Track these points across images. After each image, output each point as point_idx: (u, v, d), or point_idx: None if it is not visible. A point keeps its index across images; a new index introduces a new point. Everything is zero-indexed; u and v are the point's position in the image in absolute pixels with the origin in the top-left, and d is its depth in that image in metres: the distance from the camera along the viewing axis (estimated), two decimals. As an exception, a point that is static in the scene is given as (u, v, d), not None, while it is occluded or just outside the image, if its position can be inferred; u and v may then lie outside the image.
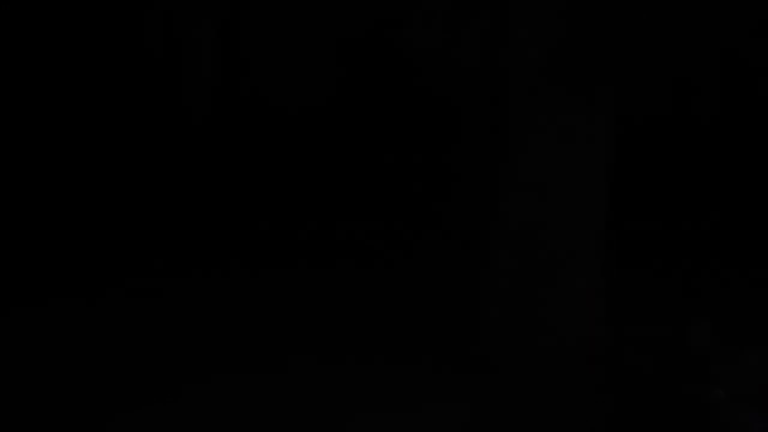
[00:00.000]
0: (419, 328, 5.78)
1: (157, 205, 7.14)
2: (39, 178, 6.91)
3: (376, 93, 7.31)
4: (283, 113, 7.25)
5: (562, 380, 5.12)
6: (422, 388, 4.90)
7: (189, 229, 7.05)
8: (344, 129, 7.33)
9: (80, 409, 4.45)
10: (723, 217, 7.90)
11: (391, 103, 7.22)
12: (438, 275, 6.64)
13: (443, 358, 5.37)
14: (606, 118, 5.60)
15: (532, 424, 4.80)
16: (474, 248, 5.98)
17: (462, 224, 7.22)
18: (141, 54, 6.62)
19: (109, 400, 4.58)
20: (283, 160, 7.27)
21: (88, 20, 6.04)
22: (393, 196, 7.43)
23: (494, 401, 4.94)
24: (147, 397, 4.59)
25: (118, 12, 5.87)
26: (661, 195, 7.94)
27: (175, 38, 6.45)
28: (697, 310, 5.34)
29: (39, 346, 5.24)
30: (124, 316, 5.69)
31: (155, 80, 6.92)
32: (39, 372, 4.84)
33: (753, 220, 7.89)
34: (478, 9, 6.14)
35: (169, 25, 6.53)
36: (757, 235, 7.78)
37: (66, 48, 6.46)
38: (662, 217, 7.83)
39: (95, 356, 5.14)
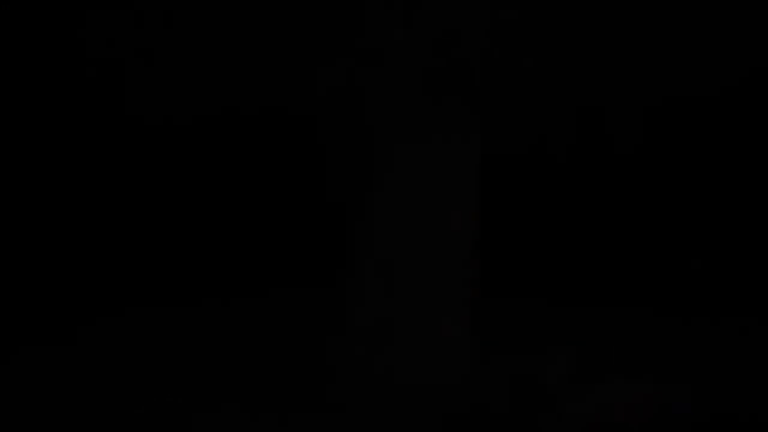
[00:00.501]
0: (270, 370, 5.32)
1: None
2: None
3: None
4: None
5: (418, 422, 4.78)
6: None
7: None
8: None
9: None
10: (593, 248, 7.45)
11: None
12: (293, 314, 6.19)
13: (294, 404, 4.92)
14: (473, 147, 5.13)
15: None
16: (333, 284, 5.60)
17: (321, 259, 6.81)
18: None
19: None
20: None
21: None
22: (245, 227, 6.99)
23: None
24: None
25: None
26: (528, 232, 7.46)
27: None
28: (557, 341, 5.13)
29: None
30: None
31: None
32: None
33: (620, 254, 7.43)
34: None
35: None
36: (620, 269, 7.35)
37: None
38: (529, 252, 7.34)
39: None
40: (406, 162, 5.06)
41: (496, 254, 7.04)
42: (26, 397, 4.88)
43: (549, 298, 7.21)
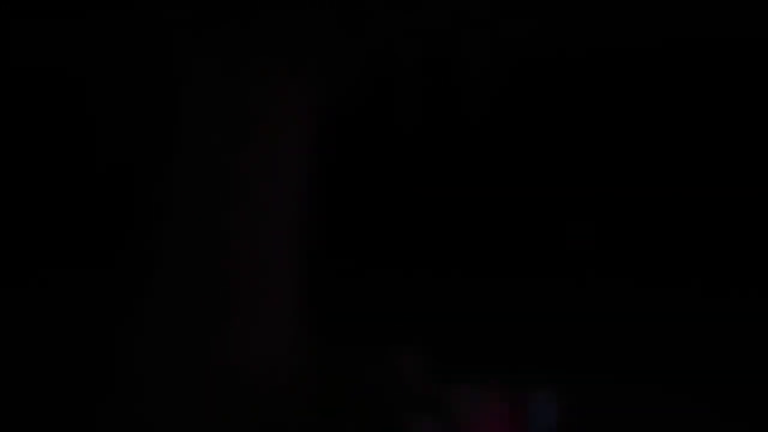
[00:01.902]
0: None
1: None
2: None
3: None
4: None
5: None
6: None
7: None
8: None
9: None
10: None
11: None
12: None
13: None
14: (310, 99, 4.77)
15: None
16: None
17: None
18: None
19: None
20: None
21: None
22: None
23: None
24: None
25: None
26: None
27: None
28: (413, 333, 5.15)
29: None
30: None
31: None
32: None
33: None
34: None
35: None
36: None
37: None
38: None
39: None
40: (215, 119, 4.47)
41: (334, 227, 6.85)
42: None
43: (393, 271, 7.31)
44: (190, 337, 4.57)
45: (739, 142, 7.65)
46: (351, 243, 7.57)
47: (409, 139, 7.71)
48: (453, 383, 4.94)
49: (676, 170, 7.80)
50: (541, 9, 5.35)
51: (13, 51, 5.14)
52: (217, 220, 4.61)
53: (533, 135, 7.86)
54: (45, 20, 4.94)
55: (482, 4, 5.22)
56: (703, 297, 7.18)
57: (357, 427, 4.66)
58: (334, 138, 5.94)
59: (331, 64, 4.90)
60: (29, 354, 5.17)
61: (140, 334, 4.68)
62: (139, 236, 4.74)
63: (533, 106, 7.80)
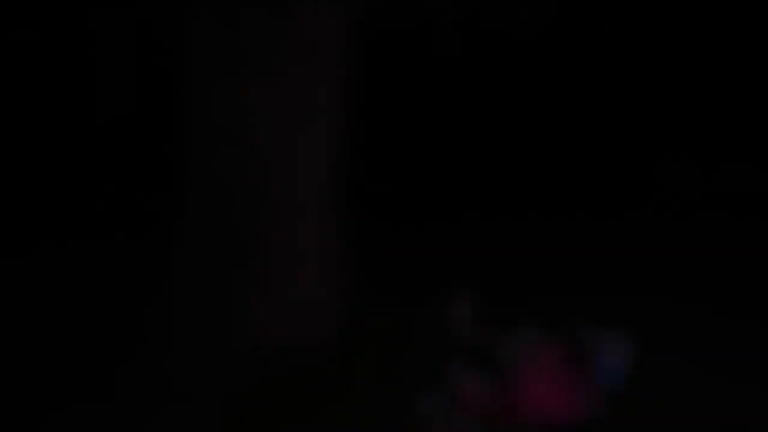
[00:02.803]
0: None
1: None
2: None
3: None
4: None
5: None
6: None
7: None
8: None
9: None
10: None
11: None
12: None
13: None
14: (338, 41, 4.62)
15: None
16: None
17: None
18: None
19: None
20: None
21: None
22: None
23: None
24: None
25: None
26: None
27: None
28: (459, 283, 4.69)
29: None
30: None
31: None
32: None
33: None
34: None
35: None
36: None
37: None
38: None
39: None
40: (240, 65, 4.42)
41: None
42: None
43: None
44: (227, 293, 4.54)
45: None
46: (389, 185, 7.24)
47: (447, 76, 7.15)
48: (503, 329, 4.45)
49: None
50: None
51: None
52: (245, 170, 4.55)
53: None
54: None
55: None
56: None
57: (403, 378, 4.35)
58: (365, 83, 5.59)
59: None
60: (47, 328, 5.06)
61: (171, 294, 4.66)
62: (165, 194, 4.83)
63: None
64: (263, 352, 4.42)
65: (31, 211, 6.41)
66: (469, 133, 7.70)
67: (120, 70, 5.89)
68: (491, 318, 4.50)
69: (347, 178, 4.87)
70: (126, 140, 6.66)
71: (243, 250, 4.49)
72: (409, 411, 4.15)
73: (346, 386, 4.33)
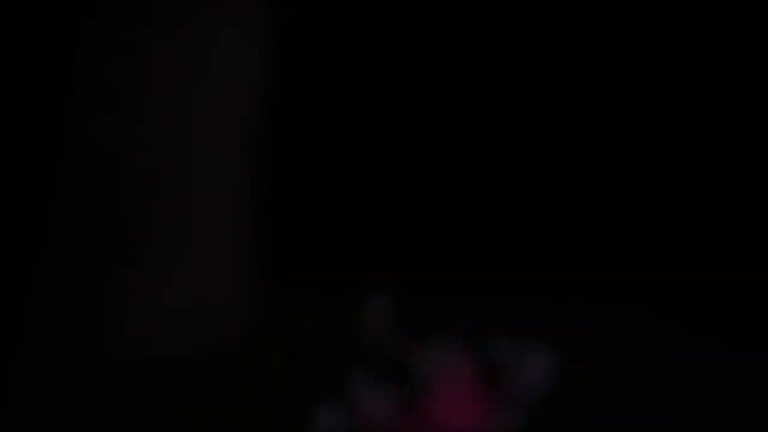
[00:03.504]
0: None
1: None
2: None
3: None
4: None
5: None
6: None
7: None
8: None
9: None
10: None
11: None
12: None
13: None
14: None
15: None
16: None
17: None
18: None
19: None
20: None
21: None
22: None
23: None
24: None
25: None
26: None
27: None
28: (377, 287, 4.32)
29: None
30: None
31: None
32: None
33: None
34: None
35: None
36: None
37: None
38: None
39: None
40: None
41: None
42: None
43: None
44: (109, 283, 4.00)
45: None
46: (307, 182, 6.79)
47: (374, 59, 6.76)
48: (418, 339, 4.10)
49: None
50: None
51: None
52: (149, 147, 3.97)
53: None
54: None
55: None
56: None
57: (304, 387, 3.99)
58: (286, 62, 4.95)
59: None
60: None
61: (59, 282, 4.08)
62: (56, 173, 4.08)
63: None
64: (148, 359, 3.95)
65: None
66: (395, 124, 7.27)
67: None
68: (407, 326, 4.14)
69: (263, 165, 4.37)
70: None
71: (127, 240, 3.94)
72: (306, 424, 3.77)
73: (241, 396, 3.93)
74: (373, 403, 3.79)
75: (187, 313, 4.05)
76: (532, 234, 6.73)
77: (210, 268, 4.10)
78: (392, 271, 5.69)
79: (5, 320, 4.37)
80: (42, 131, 4.71)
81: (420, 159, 7.36)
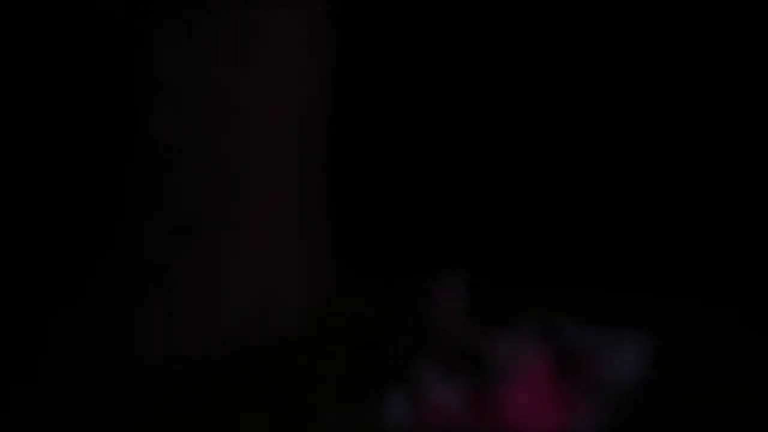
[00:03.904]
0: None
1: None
2: None
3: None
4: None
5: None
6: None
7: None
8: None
9: None
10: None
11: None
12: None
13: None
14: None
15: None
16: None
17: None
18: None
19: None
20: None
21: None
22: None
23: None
24: None
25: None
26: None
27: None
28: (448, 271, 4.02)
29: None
30: None
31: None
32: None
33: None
34: None
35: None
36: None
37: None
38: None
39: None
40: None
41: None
42: None
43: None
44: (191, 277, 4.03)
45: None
46: (371, 171, 6.59)
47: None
48: (491, 327, 3.77)
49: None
50: None
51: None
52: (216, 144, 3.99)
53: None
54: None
55: None
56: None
57: (370, 376, 3.78)
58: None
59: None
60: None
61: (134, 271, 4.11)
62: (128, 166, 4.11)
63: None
64: (211, 344, 3.94)
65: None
66: (460, 118, 7.00)
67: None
68: (480, 314, 3.80)
69: (326, 155, 4.32)
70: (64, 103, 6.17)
71: (191, 227, 3.93)
72: (371, 414, 3.52)
73: (304, 383, 3.82)
74: (441, 394, 3.48)
75: (250, 305, 4.02)
76: (609, 221, 6.33)
77: (273, 260, 4.05)
78: (463, 260, 5.34)
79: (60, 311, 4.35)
80: (104, 125, 4.62)
81: (487, 145, 7.01)
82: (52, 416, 3.72)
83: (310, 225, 4.22)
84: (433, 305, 3.80)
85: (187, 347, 3.94)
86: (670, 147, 6.99)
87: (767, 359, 4.31)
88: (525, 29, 7.04)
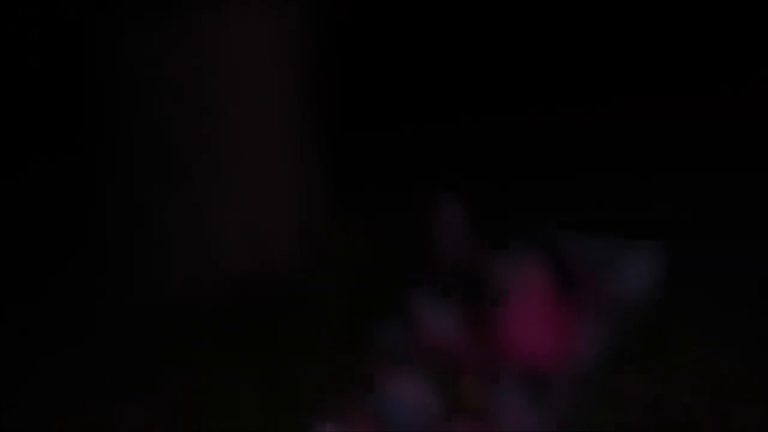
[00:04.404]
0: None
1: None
2: None
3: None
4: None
5: None
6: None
7: None
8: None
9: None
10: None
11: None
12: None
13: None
14: None
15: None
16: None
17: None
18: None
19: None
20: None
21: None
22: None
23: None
24: None
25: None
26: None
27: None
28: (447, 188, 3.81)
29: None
30: None
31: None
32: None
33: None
34: None
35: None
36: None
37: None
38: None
39: None
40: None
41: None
42: None
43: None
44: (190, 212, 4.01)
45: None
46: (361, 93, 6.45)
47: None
48: (492, 247, 3.47)
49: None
50: None
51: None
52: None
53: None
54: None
55: None
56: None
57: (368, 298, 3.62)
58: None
59: None
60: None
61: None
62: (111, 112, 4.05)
63: None
64: (205, 280, 3.94)
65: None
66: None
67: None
68: (479, 234, 3.53)
69: (316, 80, 4.26)
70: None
71: (176, 168, 3.89)
72: (363, 343, 3.34)
73: (299, 315, 3.72)
74: (436, 319, 3.20)
75: (241, 236, 3.99)
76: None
77: (260, 191, 4.03)
78: (460, 177, 5.05)
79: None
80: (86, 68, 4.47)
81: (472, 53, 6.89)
82: (52, 362, 3.70)
83: (302, 157, 4.17)
84: (433, 225, 3.50)
85: (181, 291, 3.92)
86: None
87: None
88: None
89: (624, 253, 3.37)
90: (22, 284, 4.37)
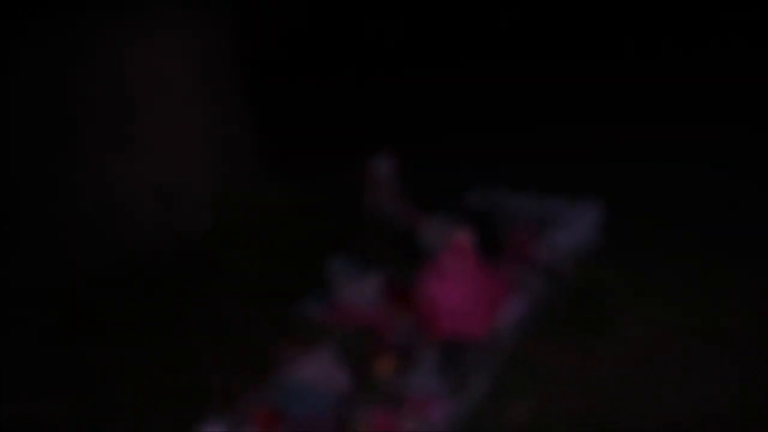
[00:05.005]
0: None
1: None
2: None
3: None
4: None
5: None
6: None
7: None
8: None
9: None
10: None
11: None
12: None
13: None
14: None
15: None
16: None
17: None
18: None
19: None
20: None
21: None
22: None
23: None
24: None
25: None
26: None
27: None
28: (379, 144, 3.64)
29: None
30: None
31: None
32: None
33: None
34: None
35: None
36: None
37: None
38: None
39: None
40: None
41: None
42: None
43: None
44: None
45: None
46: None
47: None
48: (424, 207, 3.38)
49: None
50: None
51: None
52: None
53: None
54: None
55: None
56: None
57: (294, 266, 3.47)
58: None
59: None
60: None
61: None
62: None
63: None
64: (108, 252, 3.70)
65: None
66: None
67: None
68: (410, 193, 3.44)
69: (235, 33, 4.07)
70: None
71: (74, 119, 3.68)
72: (278, 318, 3.16)
73: (212, 287, 3.52)
74: (354, 288, 3.02)
75: (151, 203, 3.81)
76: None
77: (172, 152, 3.83)
78: (393, 134, 4.82)
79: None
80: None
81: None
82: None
83: (221, 117, 3.99)
84: (366, 186, 3.33)
85: (82, 263, 3.70)
86: None
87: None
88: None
89: (562, 211, 3.24)
90: None
